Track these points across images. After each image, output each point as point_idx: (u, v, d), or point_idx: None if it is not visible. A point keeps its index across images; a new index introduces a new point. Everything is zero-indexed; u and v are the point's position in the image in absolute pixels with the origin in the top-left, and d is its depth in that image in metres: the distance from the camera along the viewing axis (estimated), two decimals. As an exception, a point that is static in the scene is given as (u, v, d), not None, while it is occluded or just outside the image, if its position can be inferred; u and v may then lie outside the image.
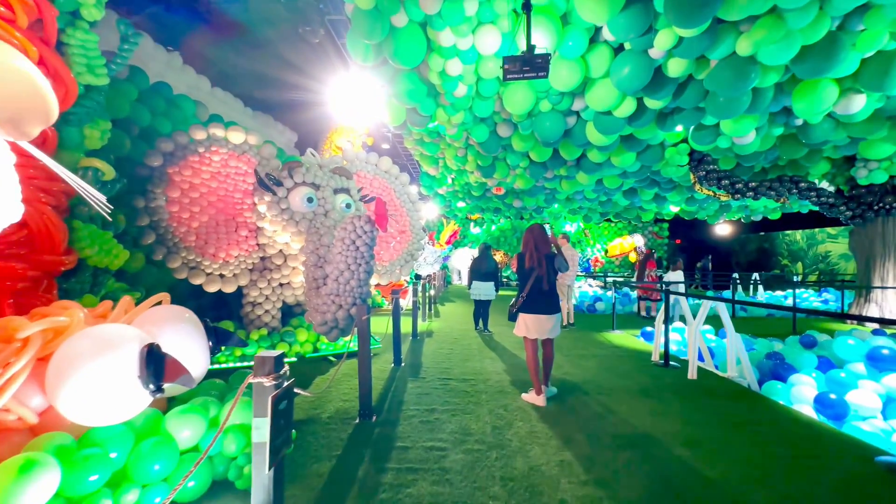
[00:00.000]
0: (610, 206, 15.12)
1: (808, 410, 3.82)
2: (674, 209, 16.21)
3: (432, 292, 10.90)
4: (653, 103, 5.69)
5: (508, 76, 4.29)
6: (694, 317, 4.89)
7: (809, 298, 14.02)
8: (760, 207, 15.13)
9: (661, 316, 5.40)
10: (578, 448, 2.80)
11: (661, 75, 5.10)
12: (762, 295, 14.50)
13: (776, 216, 15.47)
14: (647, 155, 7.76)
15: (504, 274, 20.47)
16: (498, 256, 20.67)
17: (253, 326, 5.13)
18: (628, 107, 5.69)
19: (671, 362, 5.03)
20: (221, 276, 4.79)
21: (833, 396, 3.72)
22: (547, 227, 4.97)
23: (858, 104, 5.21)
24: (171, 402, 2.72)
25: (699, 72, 5.09)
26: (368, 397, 3.27)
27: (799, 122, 6.38)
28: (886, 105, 5.63)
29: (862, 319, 2.84)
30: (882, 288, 8.25)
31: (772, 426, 3.25)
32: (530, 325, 3.70)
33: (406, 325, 6.97)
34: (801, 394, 3.98)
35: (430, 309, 9.71)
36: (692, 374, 4.53)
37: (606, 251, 21.04)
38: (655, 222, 21.59)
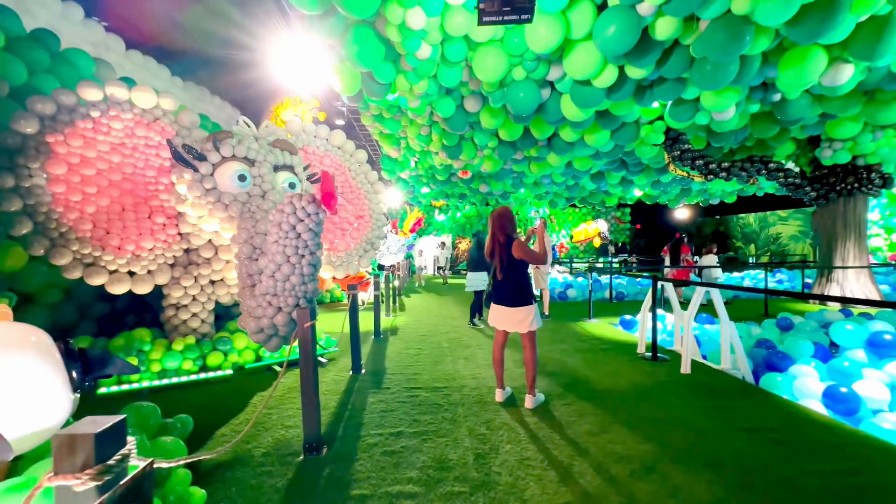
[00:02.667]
0: (577, 191, 14.88)
1: (816, 405, 3.49)
2: (637, 193, 16.23)
3: (396, 283, 10.18)
4: (635, 72, 5.18)
5: (485, 19, 3.59)
6: (683, 305, 4.48)
7: (765, 280, 14.45)
8: (718, 191, 15.41)
9: (646, 304, 4.98)
10: (584, 482, 2.23)
11: (647, 38, 4.59)
12: (721, 277, 14.85)
13: (732, 199, 15.84)
14: (621, 133, 7.34)
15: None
16: (463, 244, 20.14)
17: (177, 334, 4.23)
18: (609, 76, 5.16)
19: (659, 354, 4.63)
20: (131, 273, 3.86)
21: (844, 390, 3.39)
22: (539, 222, 3.89)
23: (846, 74, 4.94)
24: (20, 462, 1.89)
25: (686, 36, 4.62)
26: (316, 426, 2.55)
27: (777, 97, 6.13)
28: (867, 78, 5.43)
29: (829, 299, 2.77)
30: (843, 268, 8.37)
31: (791, 432, 2.83)
32: (491, 314, 3.42)
33: (367, 322, 6.24)
34: (806, 387, 3.65)
35: (394, 302, 9.00)
36: (685, 367, 4.12)
37: (571, 237, 21.01)
38: (618, 207, 21.78)
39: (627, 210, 21.28)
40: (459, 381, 3.86)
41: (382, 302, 7.67)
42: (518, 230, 12.91)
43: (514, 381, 3.86)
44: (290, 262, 2.90)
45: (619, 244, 22.18)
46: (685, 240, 9.59)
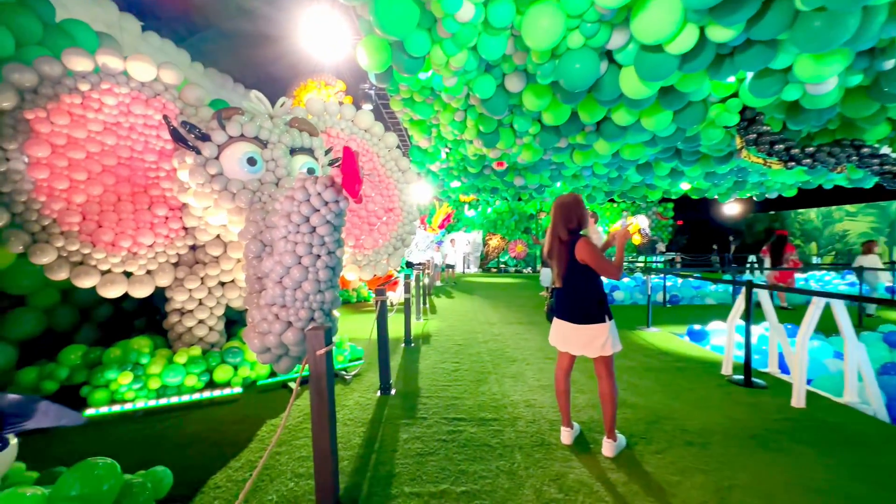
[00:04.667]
0: (619, 184, 13.81)
1: None
2: (684, 187, 14.99)
3: (426, 281, 9.55)
4: (719, 33, 4.27)
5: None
6: (780, 313, 3.59)
7: (833, 281, 12.99)
8: (777, 184, 13.98)
9: (735, 313, 4.09)
10: None
11: (742, -13, 3.70)
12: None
13: (792, 193, 14.33)
14: (686, 114, 6.36)
15: (501, 260, 19.14)
16: (493, 241, 19.33)
17: (182, 343, 3.69)
18: (686, 39, 4.27)
19: (753, 378, 3.75)
20: (127, 274, 3.33)
21: None
22: (625, 226, 2.88)
23: None
24: None
25: (793, -18, 3.70)
26: (331, 488, 1.89)
27: (890, 64, 5.04)
28: None
29: None
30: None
31: None
32: (552, 332, 2.73)
33: (396, 326, 5.59)
34: None
35: (423, 303, 8.35)
36: (798, 400, 3.24)
37: (608, 234, 19.81)
38: (659, 202, 20.37)
39: (670, 205, 19.85)
40: (511, 411, 3.13)
41: (412, 304, 7.02)
42: (597, 227, 11.96)
43: (579, 410, 3.10)
44: (301, 264, 2.24)
45: (668, 242, 20.75)
46: (788, 238, 8.42)
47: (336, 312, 7.52)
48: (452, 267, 14.88)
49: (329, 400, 1.89)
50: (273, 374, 3.80)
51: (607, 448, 2.49)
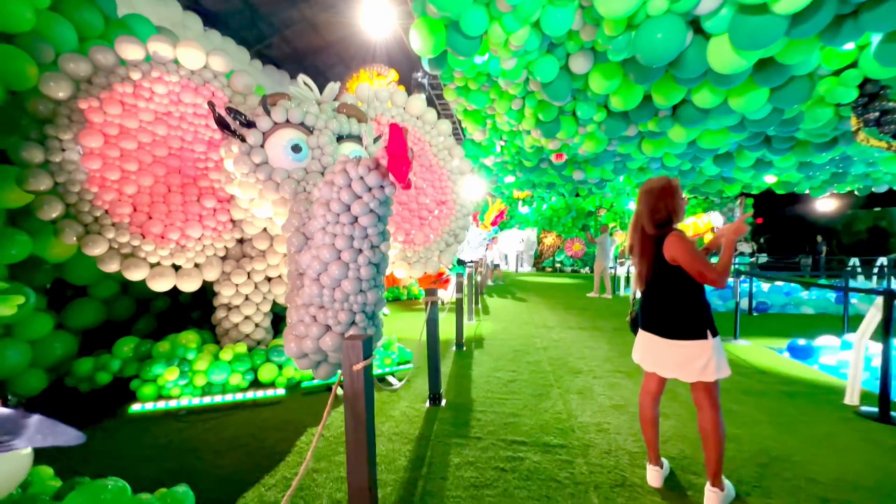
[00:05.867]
0: (692, 177, 12.54)
1: None
2: (769, 179, 13.42)
3: (478, 279, 9.17)
4: (844, -15, 3.49)
5: None
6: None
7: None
8: (890, 175, 12.06)
9: (864, 330, 3.30)
10: None
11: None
12: None
13: (906, 187, 12.26)
14: (787, 91, 5.42)
15: (556, 259, 18.27)
16: (548, 239, 18.48)
17: (228, 339, 3.59)
18: (801, -7, 3.52)
19: (893, 413, 2.98)
20: (175, 267, 3.26)
21: None
22: (737, 219, 2.22)
23: None
24: None
25: None
26: (371, 528, 1.57)
27: None
28: None
29: None
30: None
31: None
32: (636, 345, 2.25)
33: (447, 327, 5.25)
34: None
35: (475, 302, 7.96)
36: (968, 447, 2.48)
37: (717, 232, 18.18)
38: (737, 197, 18.39)
39: (750, 201, 17.86)
40: (580, 436, 2.67)
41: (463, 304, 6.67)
42: (613, 239, 11.02)
43: (665, 440, 2.58)
44: (341, 259, 1.95)
45: (757, 242, 18.69)
46: None
47: (385, 309, 7.24)
48: (498, 266, 14.37)
49: (367, 425, 1.57)
50: (318, 375, 3.61)
51: (712, 499, 1.96)
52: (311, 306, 2.02)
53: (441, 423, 2.87)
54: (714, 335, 1.94)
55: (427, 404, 3.19)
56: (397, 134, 1.86)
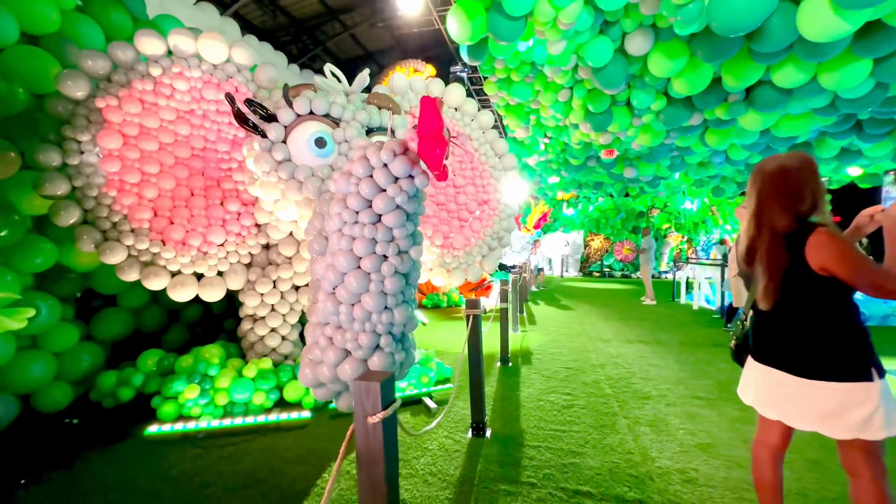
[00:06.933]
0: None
1: None
2: (853, 172, 11.96)
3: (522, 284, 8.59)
4: None
5: None
6: None
7: None
8: None
9: None
10: None
11: None
12: None
13: None
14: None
15: (606, 263, 17.23)
16: (595, 242, 17.48)
17: (254, 353, 3.33)
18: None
19: None
20: (198, 276, 3.04)
21: None
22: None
23: None
24: None
25: None
26: None
27: None
28: None
29: None
30: None
31: None
32: (747, 381, 1.65)
33: (490, 339, 4.78)
34: None
35: (520, 310, 7.42)
36: None
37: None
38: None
39: (828, 197, 16.00)
40: (662, 487, 2.12)
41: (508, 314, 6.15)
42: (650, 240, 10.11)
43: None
44: (361, 268, 1.56)
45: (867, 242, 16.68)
46: None
47: (424, 318, 6.74)
48: (542, 270, 13.67)
49: (389, 499, 1.15)
50: (348, 394, 3.27)
51: None
52: (328, 326, 1.65)
53: (486, 460, 2.42)
54: (881, 375, 1.37)
55: (469, 434, 2.75)
56: (430, 108, 1.46)
